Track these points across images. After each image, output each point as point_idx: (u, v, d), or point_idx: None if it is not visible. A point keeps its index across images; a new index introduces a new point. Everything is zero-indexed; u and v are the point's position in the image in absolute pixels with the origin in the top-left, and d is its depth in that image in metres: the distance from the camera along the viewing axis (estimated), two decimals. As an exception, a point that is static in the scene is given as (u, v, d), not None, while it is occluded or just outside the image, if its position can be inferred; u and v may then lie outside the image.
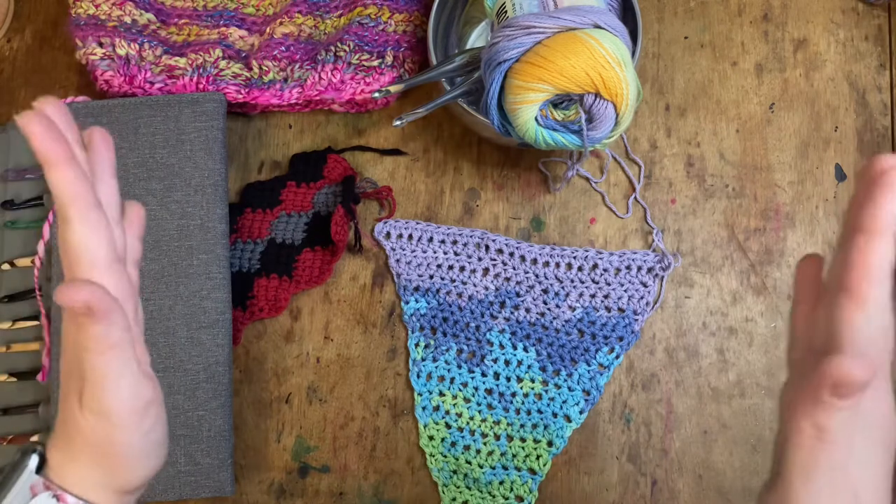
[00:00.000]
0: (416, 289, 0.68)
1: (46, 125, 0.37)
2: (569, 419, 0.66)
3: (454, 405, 0.66)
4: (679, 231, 0.69)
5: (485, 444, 0.66)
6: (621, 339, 0.66)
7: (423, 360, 0.67)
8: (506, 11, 0.59)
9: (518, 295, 0.67)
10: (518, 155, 0.70)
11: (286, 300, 0.67)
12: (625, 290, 0.67)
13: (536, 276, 0.67)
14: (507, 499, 0.65)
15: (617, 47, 0.55)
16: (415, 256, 0.68)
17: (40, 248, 0.65)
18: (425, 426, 0.66)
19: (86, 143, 0.41)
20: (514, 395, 0.66)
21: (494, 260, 0.68)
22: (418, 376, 0.67)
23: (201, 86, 0.67)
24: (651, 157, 0.70)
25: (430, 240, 0.68)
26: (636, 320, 0.67)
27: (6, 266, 0.67)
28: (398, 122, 0.62)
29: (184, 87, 0.67)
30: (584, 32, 0.55)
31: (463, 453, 0.66)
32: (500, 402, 0.66)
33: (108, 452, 0.40)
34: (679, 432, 0.66)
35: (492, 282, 0.67)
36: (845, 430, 0.36)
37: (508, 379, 0.66)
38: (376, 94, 0.64)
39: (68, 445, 0.40)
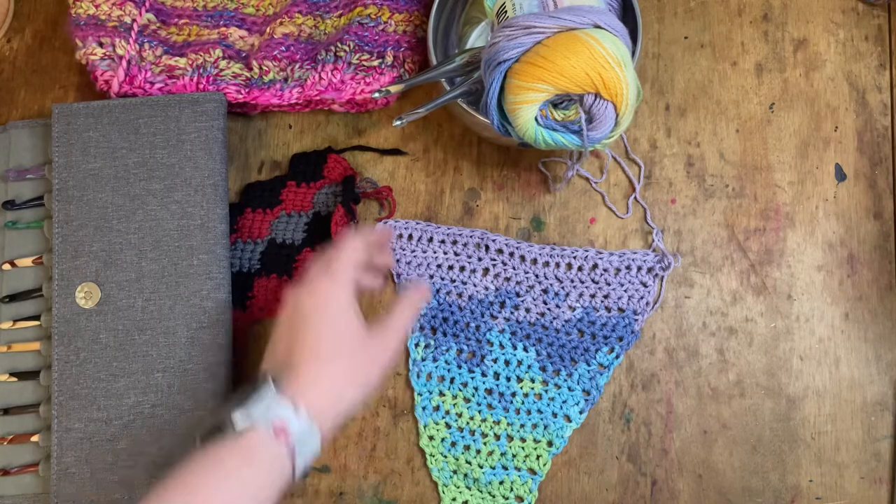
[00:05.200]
0: (416, 289, 0.68)
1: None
2: (569, 419, 0.66)
3: (454, 405, 0.66)
4: (679, 231, 0.69)
5: (485, 444, 0.66)
6: (621, 339, 0.66)
7: (423, 360, 0.67)
8: (506, 11, 0.59)
9: (518, 295, 0.67)
10: (518, 155, 0.70)
11: (286, 300, 0.67)
12: (625, 290, 0.67)
13: (536, 276, 0.67)
14: (507, 499, 0.65)
15: (617, 47, 0.55)
16: (415, 256, 0.68)
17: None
18: (425, 426, 0.66)
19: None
20: (514, 395, 0.66)
21: (494, 260, 0.68)
22: (418, 376, 0.67)
23: (201, 86, 0.67)
24: (651, 157, 0.70)
25: (430, 240, 0.68)
26: (636, 320, 0.67)
27: (7, 266, 0.67)
28: (398, 122, 0.62)
29: (184, 87, 0.67)
30: (584, 32, 0.55)
31: (463, 453, 0.66)
32: (500, 402, 0.66)
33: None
34: (679, 432, 0.66)
35: (492, 282, 0.67)
36: None
37: (508, 379, 0.66)
38: (376, 94, 0.64)
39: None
